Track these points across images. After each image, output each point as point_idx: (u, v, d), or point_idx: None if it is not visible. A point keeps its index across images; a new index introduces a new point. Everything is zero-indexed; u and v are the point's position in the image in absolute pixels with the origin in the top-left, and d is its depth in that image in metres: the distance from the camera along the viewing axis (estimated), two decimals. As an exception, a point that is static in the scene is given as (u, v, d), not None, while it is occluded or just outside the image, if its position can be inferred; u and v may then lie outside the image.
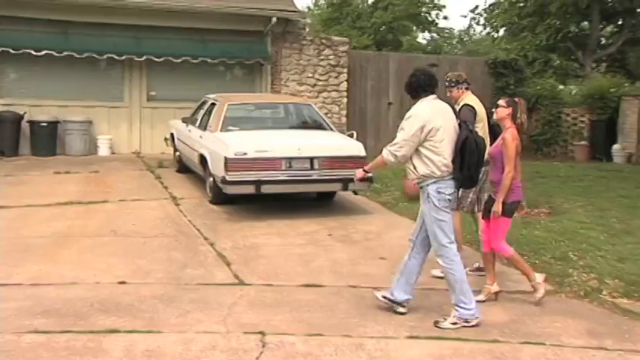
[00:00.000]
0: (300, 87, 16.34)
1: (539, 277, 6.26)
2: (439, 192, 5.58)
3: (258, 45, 15.84)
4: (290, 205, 10.15)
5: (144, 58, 14.70)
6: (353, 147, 9.90)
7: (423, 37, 42.82)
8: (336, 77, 16.65)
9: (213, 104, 11.04)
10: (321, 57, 16.54)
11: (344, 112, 16.72)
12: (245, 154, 9.23)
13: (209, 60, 15.10)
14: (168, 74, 15.34)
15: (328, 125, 11.01)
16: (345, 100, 16.71)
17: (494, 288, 6.33)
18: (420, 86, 5.68)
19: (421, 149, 5.57)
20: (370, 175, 7.25)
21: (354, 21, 36.08)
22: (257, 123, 10.96)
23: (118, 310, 5.83)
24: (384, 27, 35.72)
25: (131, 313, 5.77)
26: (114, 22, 14.56)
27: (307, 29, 16.84)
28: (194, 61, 15.02)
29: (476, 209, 7.00)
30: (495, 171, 6.18)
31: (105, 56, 14.51)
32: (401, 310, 5.93)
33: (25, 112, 14.23)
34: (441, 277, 6.08)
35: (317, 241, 8.38)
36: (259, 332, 5.43)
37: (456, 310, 5.66)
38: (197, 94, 13.16)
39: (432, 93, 5.70)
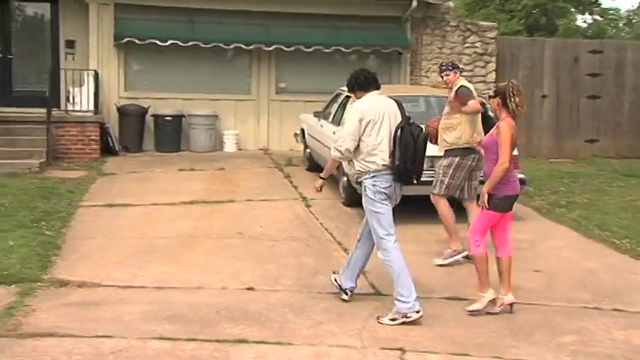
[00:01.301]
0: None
1: (490, 294, 6.19)
2: (374, 185, 6.07)
3: (396, 32, 15.76)
4: (428, 208, 9.97)
5: (273, 47, 15.02)
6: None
7: (582, 20, 41.00)
8: (482, 67, 16.27)
9: (348, 97, 11.06)
10: (467, 44, 16.22)
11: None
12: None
13: (343, 49, 15.20)
14: (299, 65, 15.58)
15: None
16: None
17: (509, 298, 6.22)
18: (360, 84, 6.28)
19: (360, 143, 6.10)
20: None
21: (502, 4, 35.17)
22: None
23: (246, 318, 5.94)
24: (536, 9, 34.55)
25: (259, 322, 5.86)
26: (241, 9, 14.99)
27: (451, 13, 16.56)
28: (326, 50, 15.17)
29: (465, 196, 7.79)
30: (488, 163, 6.19)
31: (232, 46, 14.95)
32: (344, 297, 6.45)
33: (149, 106, 14.91)
34: (443, 265, 7.35)
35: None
36: (398, 349, 5.36)
37: (395, 303, 5.98)
38: (329, 86, 13.27)
39: (376, 88, 6.26)
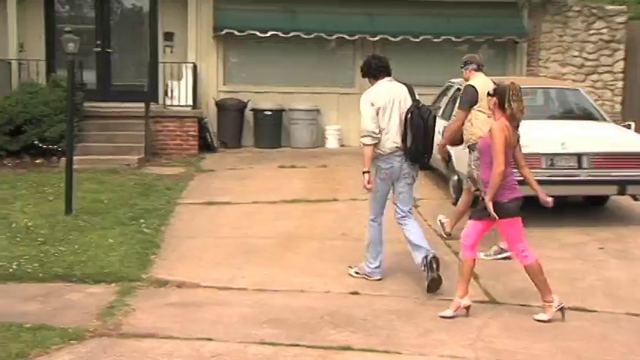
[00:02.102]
0: (563, 68, 15.64)
1: (466, 300, 6.19)
2: (379, 165, 6.96)
3: (511, 19, 15.45)
4: (549, 211, 9.72)
5: (378, 37, 15.01)
6: (632, 142, 9.35)
7: None
8: (609, 56, 15.72)
9: (459, 90, 10.91)
10: (591, 31, 15.70)
11: (618, 99, 15.74)
12: (497, 148, 9.04)
13: (453, 38, 15.03)
14: (405, 55, 15.44)
15: (600, 115, 10.42)
16: (620, 83, 15.71)
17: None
18: (373, 70, 7.00)
19: None
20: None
21: (631, -15, 33.88)
22: (511, 112, 10.67)
23: (351, 324, 5.96)
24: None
25: (365, 328, 5.87)
26: (345, -3, 15.08)
27: (573, -3, 16.12)
28: (435, 40, 15.04)
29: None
30: (484, 168, 6.23)
31: (334, 36, 15.04)
32: (377, 277, 7.14)
33: (248, 100, 15.17)
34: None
35: (585, 256, 8.05)
36: (517, 363, 5.26)
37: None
38: (437, 79, 13.15)
39: (387, 75, 7.00)
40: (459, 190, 9.74)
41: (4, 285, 6.82)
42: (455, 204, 9.96)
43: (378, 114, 6.80)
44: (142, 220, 9.08)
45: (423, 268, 6.79)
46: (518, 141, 6.24)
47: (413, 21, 15.20)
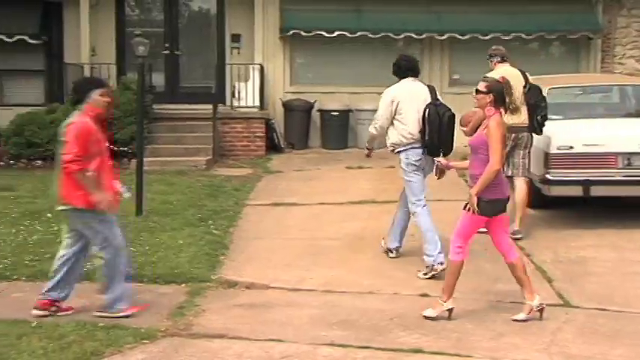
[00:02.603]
0: (640, 64, 15.29)
1: (450, 303, 6.09)
2: (407, 158, 7.57)
3: (585, 15, 15.15)
4: (625, 211, 9.53)
5: (446, 36, 14.91)
6: None
7: None
8: (689, 51, 15.29)
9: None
10: (670, 25, 15.30)
11: (698, 95, 15.25)
12: (571, 148, 8.89)
13: (523, 36, 14.81)
14: (474, 54, 15.22)
15: (680, 112, 10.15)
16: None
17: (536, 303, 6.05)
18: (401, 70, 7.74)
19: (393, 121, 7.54)
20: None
21: None
22: (585, 110, 10.50)
23: (421, 326, 5.93)
24: None
25: (435, 331, 5.83)
26: (412, -5, 15.02)
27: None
28: (505, 37, 14.80)
29: (510, 172, 8.49)
30: (475, 163, 6.09)
31: (402, 35, 15.00)
32: (391, 255, 7.82)
33: (315, 101, 15.23)
34: None
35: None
36: (594, 369, 5.16)
37: (423, 259, 7.30)
38: (508, 76, 12.91)
39: (413, 76, 7.73)
40: (532, 191, 9.59)
41: (79, 284, 6.97)
42: (529, 206, 9.82)
43: (397, 108, 7.53)
44: (210, 222, 9.20)
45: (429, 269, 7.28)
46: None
47: (482, 19, 15.03)
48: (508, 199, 6.19)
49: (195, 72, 16.54)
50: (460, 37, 14.85)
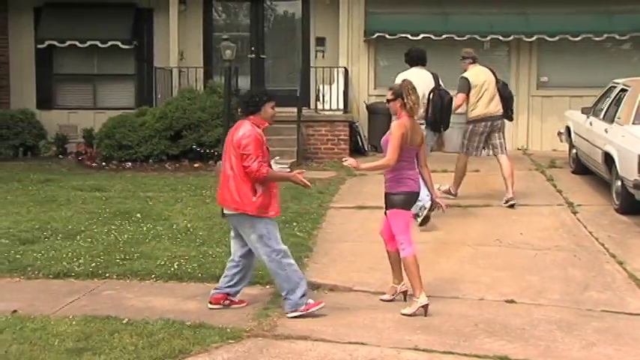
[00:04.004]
0: None
1: (423, 299, 6.30)
2: None
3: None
4: None
5: (534, 37, 14.62)
6: None
7: None
8: None
9: (623, 90, 10.49)
10: None
11: None
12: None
13: (617, 36, 14.40)
14: (563, 56, 15.02)
15: None
16: None
17: (401, 287, 6.62)
18: (412, 59, 9.48)
19: None
20: None
21: None
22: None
23: (507, 333, 5.83)
24: None
25: (523, 338, 5.73)
26: (499, -4, 14.79)
27: None
28: (597, 38, 14.45)
29: (491, 152, 10.52)
30: None
31: (488, 37, 14.78)
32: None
33: (400, 104, 15.14)
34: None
35: None
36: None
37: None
38: (598, 79, 12.69)
39: (421, 65, 9.47)
40: (623, 195, 9.35)
41: (166, 284, 7.15)
42: (618, 210, 9.57)
43: None
44: (294, 224, 9.26)
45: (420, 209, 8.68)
46: (422, 141, 6.61)
47: (572, 19, 14.69)
48: (417, 195, 6.64)
49: (280, 75, 16.69)
50: (549, 38, 14.52)
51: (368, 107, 15.26)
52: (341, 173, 12.88)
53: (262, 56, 16.03)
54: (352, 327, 6.01)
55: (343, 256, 8.14)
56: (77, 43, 15.37)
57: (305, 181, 6.43)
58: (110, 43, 15.32)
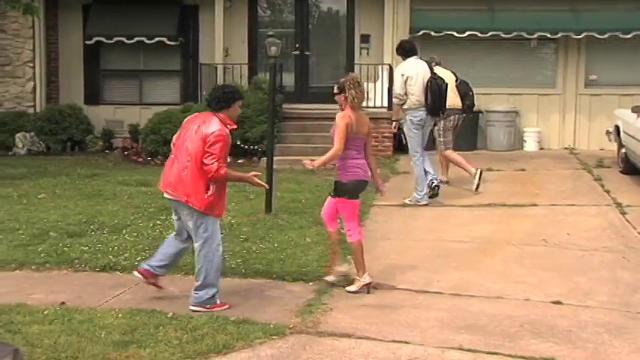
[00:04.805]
0: None
1: (345, 268, 7.02)
2: (412, 118, 10.18)
3: None
4: None
5: (583, 35, 14.41)
6: None
7: None
8: None
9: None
10: None
11: None
12: None
13: (671, 34, 14.11)
14: (613, 53, 14.78)
15: None
16: None
17: (344, 269, 7.00)
18: (405, 51, 10.28)
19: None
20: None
21: None
22: None
23: (553, 334, 5.75)
24: None
25: (569, 340, 5.64)
26: (548, -7, 14.61)
27: None
28: (649, 35, 14.19)
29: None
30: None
31: (535, 35, 14.63)
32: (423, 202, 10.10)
33: (444, 102, 15.06)
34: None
35: None
36: None
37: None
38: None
39: (414, 54, 10.29)
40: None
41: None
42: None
43: (406, 81, 10.01)
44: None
45: (428, 187, 10.12)
46: (368, 132, 6.95)
47: (623, 17, 14.47)
48: (365, 183, 6.98)
49: (325, 72, 16.67)
50: (599, 36, 14.30)
51: (413, 105, 15.15)
52: (384, 171, 12.79)
53: (306, 53, 16.03)
54: (395, 325, 5.98)
55: (386, 254, 8.11)
56: (124, 39, 15.56)
57: (261, 182, 6.63)
58: (156, 39, 15.47)
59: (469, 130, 14.93)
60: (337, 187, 6.90)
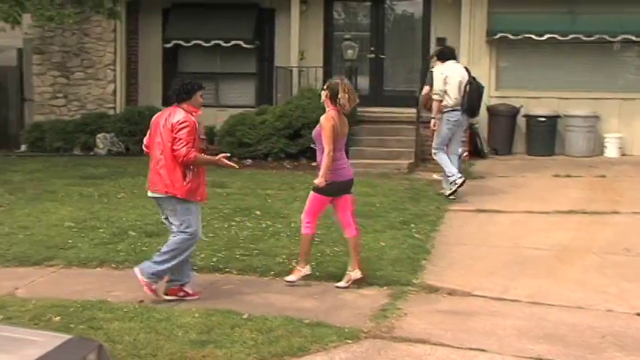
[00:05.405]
0: None
1: (307, 270, 7.14)
2: (448, 117, 10.71)
3: None
4: None
5: (668, 37, 13.99)
6: None
7: None
8: None
9: None
10: None
11: None
12: None
13: None
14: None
15: None
16: None
17: (355, 274, 7.07)
18: (446, 56, 10.93)
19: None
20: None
21: None
22: None
23: (638, 348, 5.56)
24: None
25: (655, 354, 5.45)
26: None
27: None
28: None
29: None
30: (318, 152, 7.11)
31: (619, 38, 14.28)
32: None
33: (521, 106, 14.83)
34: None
35: None
36: None
37: (446, 179, 10.90)
38: None
39: (453, 59, 11.03)
40: None
41: (282, 281, 7.22)
42: None
43: (445, 82, 10.60)
44: (412, 225, 9.19)
45: (452, 184, 10.57)
46: (347, 131, 7.15)
47: None
48: (351, 181, 7.14)
49: (399, 76, 16.62)
50: (685, 38, 13.86)
51: (489, 109, 14.95)
52: (460, 175, 12.67)
53: (381, 56, 15.98)
54: (471, 332, 5.89)
55: (462, 260, 8.01)
56: (202, 42, 15.81)
57: (229, 163, 6.79)
58: (233, 42, 15.67)
59: (547, 135, 14.68)
60: (324, 187, 7.01)
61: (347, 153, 7.51)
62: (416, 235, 8.82)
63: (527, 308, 6.56)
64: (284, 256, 7.81)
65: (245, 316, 6.04)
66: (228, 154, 6.98)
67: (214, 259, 7.68)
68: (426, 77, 11.82)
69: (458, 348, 5.54)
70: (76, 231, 8.71)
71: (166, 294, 6.63)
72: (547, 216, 9.85)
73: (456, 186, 10.50)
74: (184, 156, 6.35)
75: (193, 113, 6.58)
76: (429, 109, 11.69)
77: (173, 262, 6.51)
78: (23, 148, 15.99)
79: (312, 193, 7.15)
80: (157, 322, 5.88)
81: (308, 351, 5.42)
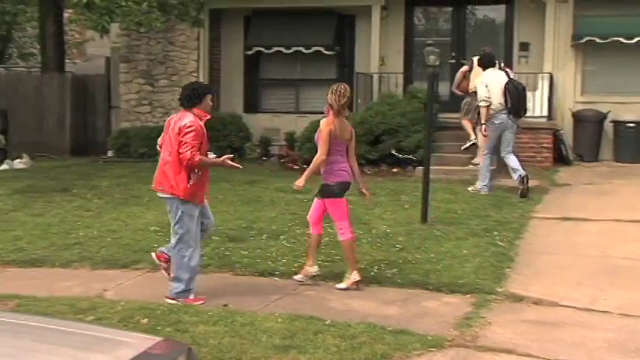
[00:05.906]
0: None
1: (315, 270, 7.33)
2: (493, 120, 11.23)
3: None
4: None
5: None
6: None
7: None
8: None
9: None
10: None
11: None
12: None
13: None
14: None
15: None
16: None
17: (314, 270, 7.34)
18: (486, 63, 11.65)
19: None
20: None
21: None
22: None
23: None
24: None
25: None
26: None
27: None
28: None
29: None
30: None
31: None
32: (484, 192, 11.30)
33: (608, 111, 14.44)
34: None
35: None
36: None
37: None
38: None
39: (493, 66, 11.62)
40: None
41: (366, 287, 7.20)
42: None
43: (487, 88, 11.09)
44: (495, 233, 9.04)
45: (518, 183, 11.04)
46: (351, 137, 7.30)
47: None
48: (348, 184, 7.29)
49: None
50: None
51: (574, 114, 14.64)
52: (544, 182, 12.43)
53: (462, 61, 15.78)
54: (559, 344, 5.76)
55: (547, 269, 7.84)
56: (282, 49, 15.95)
57: (234, 164, 6.96)
58: (313, 48, 15.75)
59: (636, 142, 14.23)
60: (324, 189, 7.25)
61: (355, 158, 7.56)
62: (499, 242, 8.68)
63: (618, 320, 6.37)
64: (365, 263, 7.78)
65: (327, 322, 6.05)
66: (232, 156, 7.25)
67: (296, 265, 7.71)
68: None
69: (545, 359, 5.42)
70: (161, 235, 8.88)
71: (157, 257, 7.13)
72: (637, 225, 9.53)
73: (478, 192, 11.21)
74: (189, 159, 6.58)
75: (203, 117, 6.77)
76: (462, 92, 13.47)
77: (188, 275, 6.82)
78: (110, 154, 16.43)
79: (325, 201, 7.25)
80: (241, 326, 5.94)
81: (391, 358, 5.38)
